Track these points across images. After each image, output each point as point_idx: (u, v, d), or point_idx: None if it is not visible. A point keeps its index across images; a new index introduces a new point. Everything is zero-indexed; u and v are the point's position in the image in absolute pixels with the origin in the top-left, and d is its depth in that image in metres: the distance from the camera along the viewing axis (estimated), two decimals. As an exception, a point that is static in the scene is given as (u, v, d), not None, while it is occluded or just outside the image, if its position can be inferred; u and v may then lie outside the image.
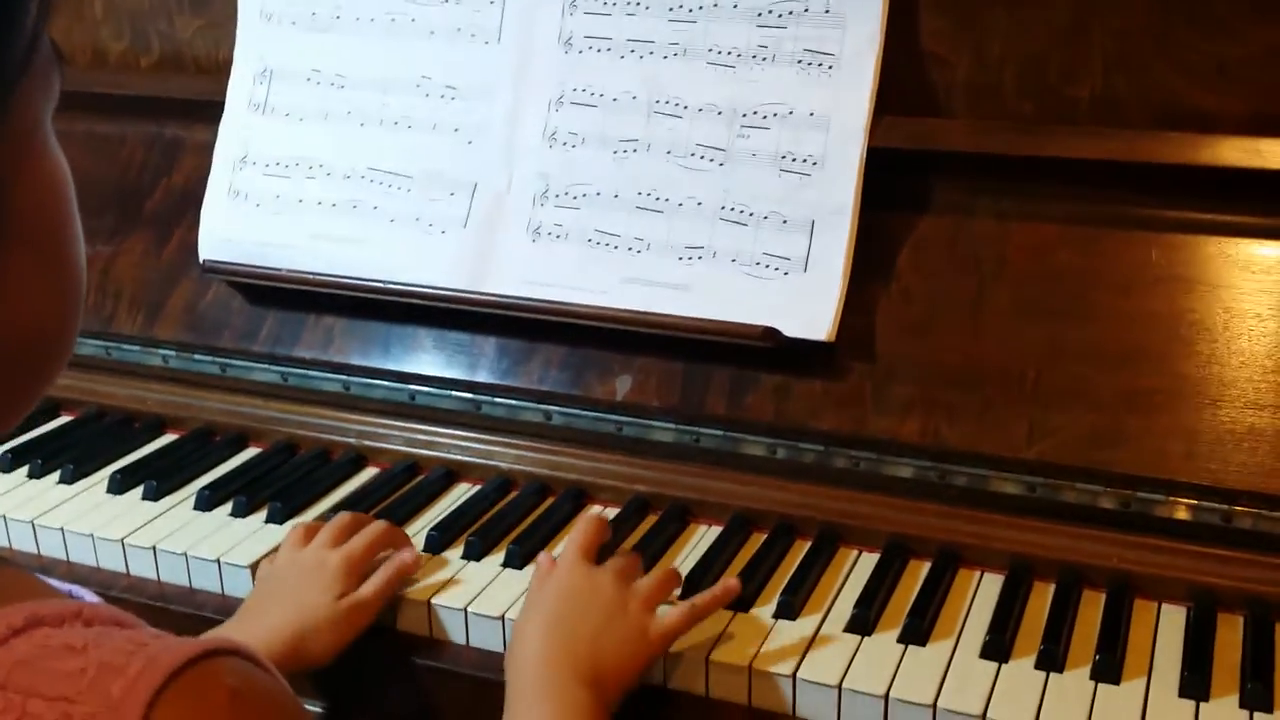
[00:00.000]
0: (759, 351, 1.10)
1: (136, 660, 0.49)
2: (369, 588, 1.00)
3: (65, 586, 0.62)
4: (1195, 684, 0.89)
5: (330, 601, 0.98)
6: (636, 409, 1.16)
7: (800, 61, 1.12)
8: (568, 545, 0.98)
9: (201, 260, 1.28)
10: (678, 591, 0.99)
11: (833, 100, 1.11)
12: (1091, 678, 0.91)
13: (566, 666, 0.87)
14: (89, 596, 0.61)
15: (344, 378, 1.26)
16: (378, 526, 1.06)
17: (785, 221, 1.12)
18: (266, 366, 1.29)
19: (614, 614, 0.92)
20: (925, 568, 1.05)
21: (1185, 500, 1.01)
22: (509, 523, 1.12)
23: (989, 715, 0.87)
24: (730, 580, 0.97)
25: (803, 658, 0.93)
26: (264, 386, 1.30)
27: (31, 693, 0.47)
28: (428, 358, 1.23)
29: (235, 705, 0.50)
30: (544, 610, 0.92)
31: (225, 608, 1.06)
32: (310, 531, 1.05)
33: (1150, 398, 1.02)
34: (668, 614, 0.93)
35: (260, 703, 0.52)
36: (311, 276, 1.23)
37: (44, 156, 0.53)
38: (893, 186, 1.12)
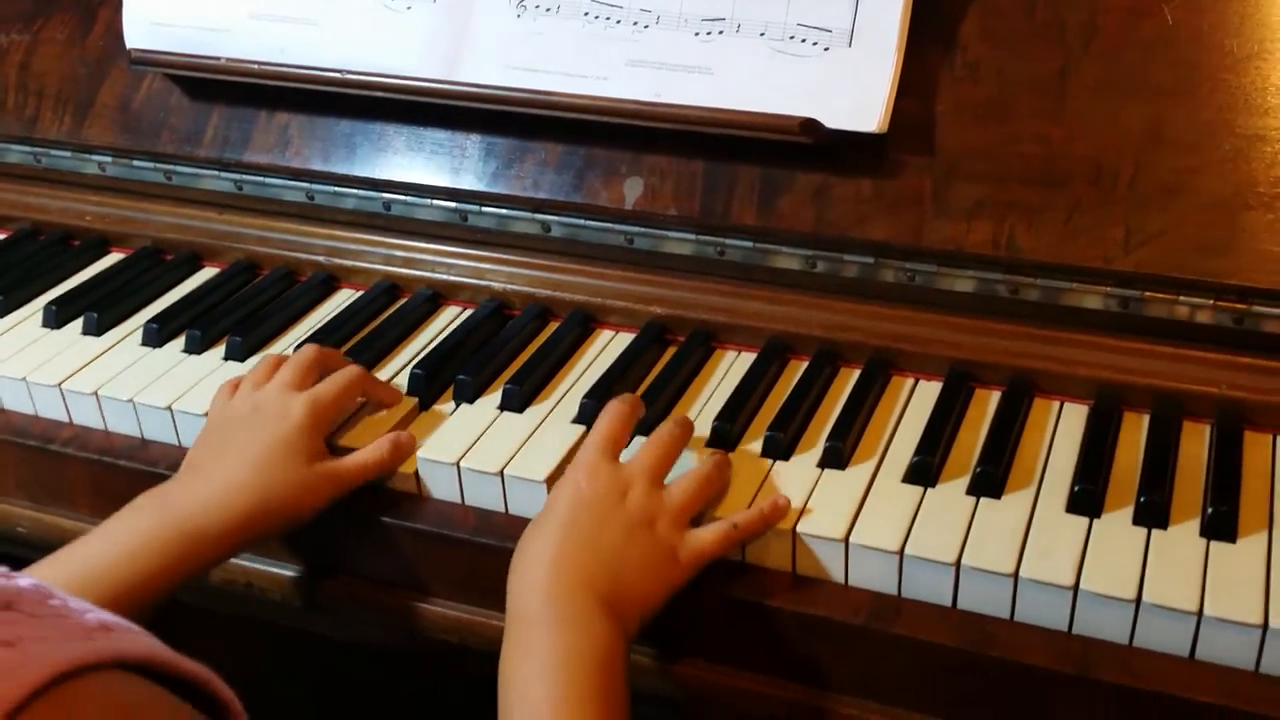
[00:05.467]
0: (794, 147, 0.92)
1: None
2: (351, 464, 0.84)
3: None
4: (1327, 541, 0.75)
5: (299, 464, 0.83)
6: (649, 217, 0.98)
7: None
8: (589, 441, 0.81)
9: (128, 49, 1.08)
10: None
11: None
12: (1203, 534, 0.76)
13: (582, 587, 0.72)
14: None
15: (307, 185, 1.08)
16: (350, 372, 0.89)
17: (826, -17, 0.91)
18: (216, 173, 1.11)
19: (638, 528, 0.76)
20: (995, 398, 0.90)
21: (1310, 314, 0.84)
22: (507, 353, 0.97)
23: (1082, 586, 0.73)
24: (780, 497, 0.79)
25: (855, 518, 0.79)
26: (216, 196, 1.12)
27: None
28: (402, 160, 1.04)
29: None
30: (556, 520, 0.76)
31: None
32: (275, 366, 0.89)
33: (1273, 190, 0.84)
34: (703, 532, 0.77)
35: None
36: (256, 66, 1.03)
37: None
38: (958, -66, 0.91)
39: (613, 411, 0.83)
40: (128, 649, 0.42)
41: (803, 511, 0.79)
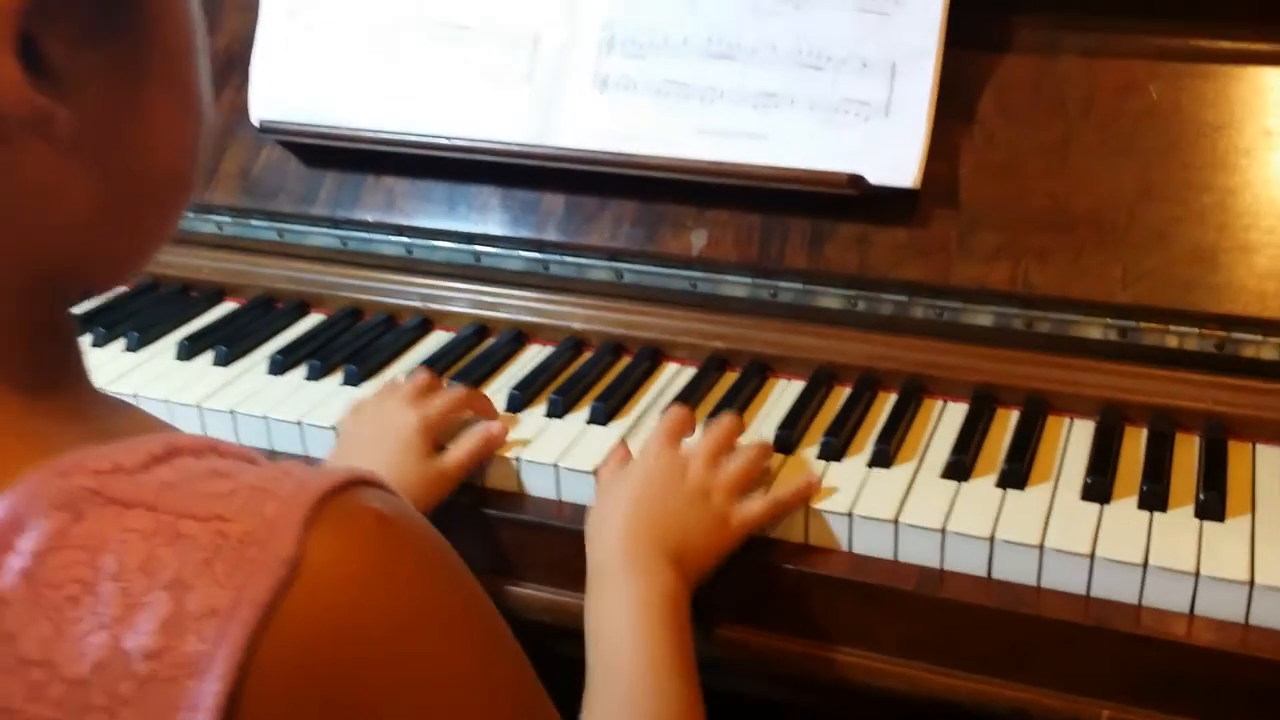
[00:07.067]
0: (839, 201, 1.08)
1: (286, 483, 0.48)
2: (452, 458, 0.98)
3: None
4: (1301, 519, 0.89)
5: (415, 463, 0.97)
6: (712, 264, 1.13)
7: (880, -105, 1.07)
8: (654, 431, 0.97)
9: (257, 121, 1.25)
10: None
11: (915, -65, 1.06)
12: (1197, 515, 0.90)
13: (654, 542, 0.86)
14: None
15: (406, 240, 1.24)
16: (459, 390, 1.04)
17: (864, 65, 1.08)
18: (325, 231, 1.26)
19: (697, 499, 0.91)
20: (1014, 416, 1.04)
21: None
22: (588, 381, 1.11)
23: (1098, 554, 0.86)
24: (811, 476, 0.95)
25: (903, 503, 0.93)
26: (323, 251, 1.28)
27: (183, 514, 0.46)
28: (494, 217, 1.20)
29: (384, 529, 0.50)
30: (627, 490, 0.91)
31: (307, 470, 1.05)
32: (397, 387, 1.03)
33: (1245, 236, 1.00)
34: (751, 503, 0.92)
35: (406, 527, 0.52)
36: (372, 135, 1.20)
37: None
38: (974, 25, 1.08)
39: (674, 411, 1.00)
40: (379, 477, 0.53)
41: (857, 499, 0.93)
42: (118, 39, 0.47)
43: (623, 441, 1.00)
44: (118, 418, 0.53)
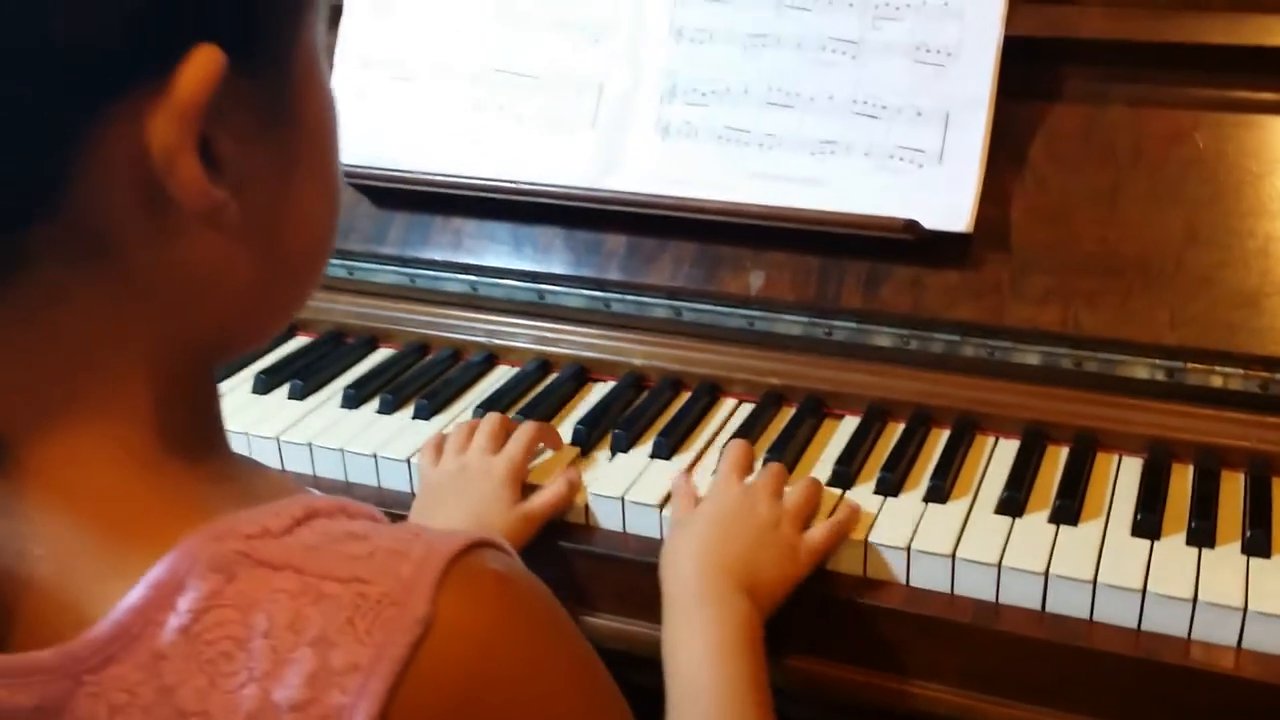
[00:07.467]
0: (894, 244, 1.12)
1: (417, 546, 0.52)
2: (537, 504, 1.03)
3: None
4: (1346, 557, 0.92)
5: (504, 510, 1.01)
6: (769, 304, 1.18)
7: (934, -49, 1.12)
8: (720, 468, 1.02)
9: (330, 165, 1.30)
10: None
11: (967, -10, 1.11)
12: (1243, 552, 0.94)
13: (726, 576, 0.90)
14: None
15: (472, 278, 1.29)
16: (530, 428, 1.08)
17: (919, 114, 1.13)
18: (394, 269, 1.31)
19: (766, 532, 0.95)
20: (1064, 453, 1.08)
21: (1323, 382, 1.03)
22: (649, 416, 1.16)
23: (1149, 589, 0.90)
24: (852, 501, 1.00)
25: (959, 538, 0.96)
26: (391, 289, 1.33)
27: (326, 576, 0.50)
28: (557, 257, 1.25)
29: (502, 588, 0.54)
30: (700, 526, 0.95)
31: (381, 500, 1.10)
32: (469, 431, 1.08)
33: (1290, 282, 1.04)
34: (815, 531, 0.96)
35: (521, 586, 0.56)
36: (441, 178, 1.25)
37: (324, 75, 0.55)
38: (1027, 75, 1.12)
39: (736, 446, 1.05)
40: (495, 538, 0.58)
41: (914, 534, 0.97)
42: (278, 131, 0.52)
43: (686, 474, 1.04)
44: (255, 478, 0.57)
